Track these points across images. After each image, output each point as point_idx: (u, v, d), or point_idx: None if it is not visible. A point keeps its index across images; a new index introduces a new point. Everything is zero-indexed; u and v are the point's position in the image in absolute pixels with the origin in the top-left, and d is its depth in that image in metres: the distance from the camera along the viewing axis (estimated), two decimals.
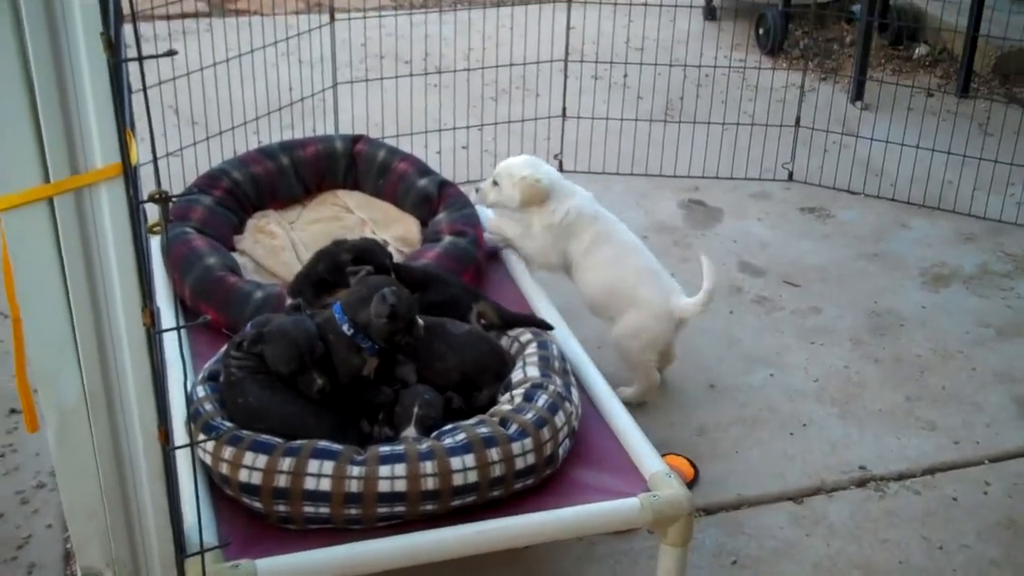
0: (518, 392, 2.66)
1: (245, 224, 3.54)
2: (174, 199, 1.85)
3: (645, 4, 5.16)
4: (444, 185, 3.61)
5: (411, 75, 4.92)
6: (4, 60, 1.82)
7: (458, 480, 2.41)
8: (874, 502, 3.13)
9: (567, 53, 4.78)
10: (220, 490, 2.48)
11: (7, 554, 2.83)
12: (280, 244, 3.43)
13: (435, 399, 2.66)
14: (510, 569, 2.79)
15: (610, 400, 2.83)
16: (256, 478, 2.40)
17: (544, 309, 3.17)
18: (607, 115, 4.89)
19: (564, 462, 2.60)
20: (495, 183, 3.38)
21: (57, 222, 1.95)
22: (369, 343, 2.60)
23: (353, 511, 2.38)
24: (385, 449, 2.46)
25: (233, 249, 3.42)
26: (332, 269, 2.89)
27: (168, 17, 5.75)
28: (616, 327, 3.34)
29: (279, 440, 2.46)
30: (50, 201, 1.93)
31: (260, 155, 3.66)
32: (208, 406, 2.57)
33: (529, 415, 2.55)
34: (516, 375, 2.75)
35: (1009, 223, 4.57)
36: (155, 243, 3.27)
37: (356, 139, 3.76)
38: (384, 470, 2.39)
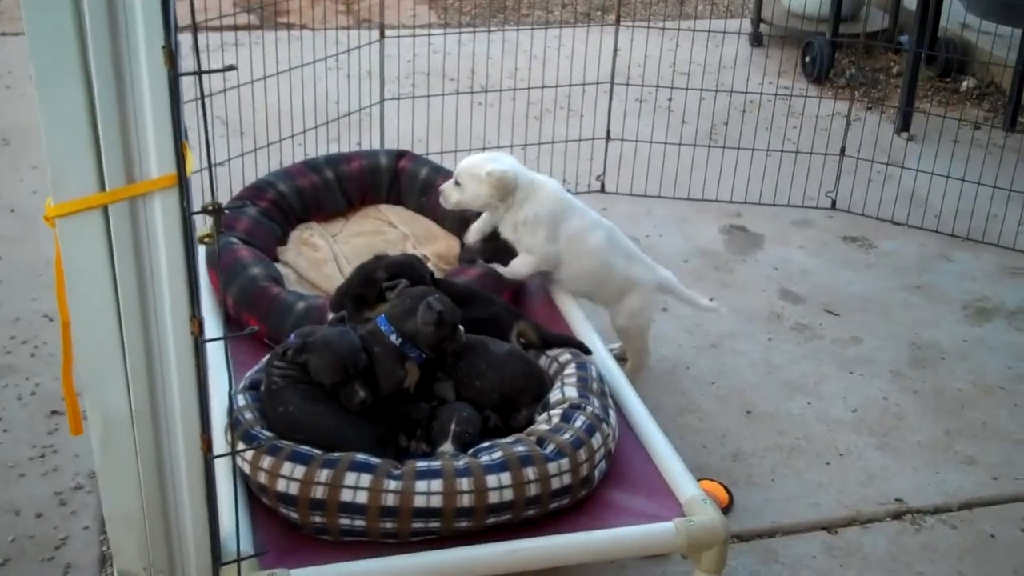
0: (556, 412, 2.67)
1: (288, 235, 3.57)
2: (226, 210, 1.87)
3: (693, 30, 5.17)
4: None
5: (457, 93, 4.96)
6: (66, 68, 1.86)
7: (494, 498, 2.42)
8: (910, 535, 3.11)
9: (613, 75, 4.80)
10: (257, 499, 2.51)
11: (44, 554, 2.86)
12: (323, 256, 3.46)
13: (472, 416, 2.67)
14: None
15: (647, 423, 2.83)
16: (294, 488, 2.42)
17: (583, 331, 3.17)
18: (651, 138, 4.89)
19: (600, 484, 2.61)
20: (457, 183, 3.29)
21: (111, 230, 1.98)
22: (417, 352, 2.64)
23: (388, 525, 2.39)
24: (422, 464, 2.47)
25: (276, 260, 3.45)
26: (368, 285, 2.91)
27: (221, 29, 5.82)
28: (621, 314, 3.38)
29: (318, 451, 2.48)
30: (105, 209, 1.97)
31: (306, 168, 3.70)
32: (248, 415, 2.60)
33: (566, 436, 2.56)
34: (554, 395, 2.76)
35: None
36: (201, 251, 3.32)
37: (400, 155, 3.79)
38: (420, 485, 2.41)
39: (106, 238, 1.99)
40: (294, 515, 2.44)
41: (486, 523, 2.43)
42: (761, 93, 4.90)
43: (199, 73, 1.78)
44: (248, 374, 2.78)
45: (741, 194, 4.82)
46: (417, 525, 2.39)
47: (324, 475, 2.42)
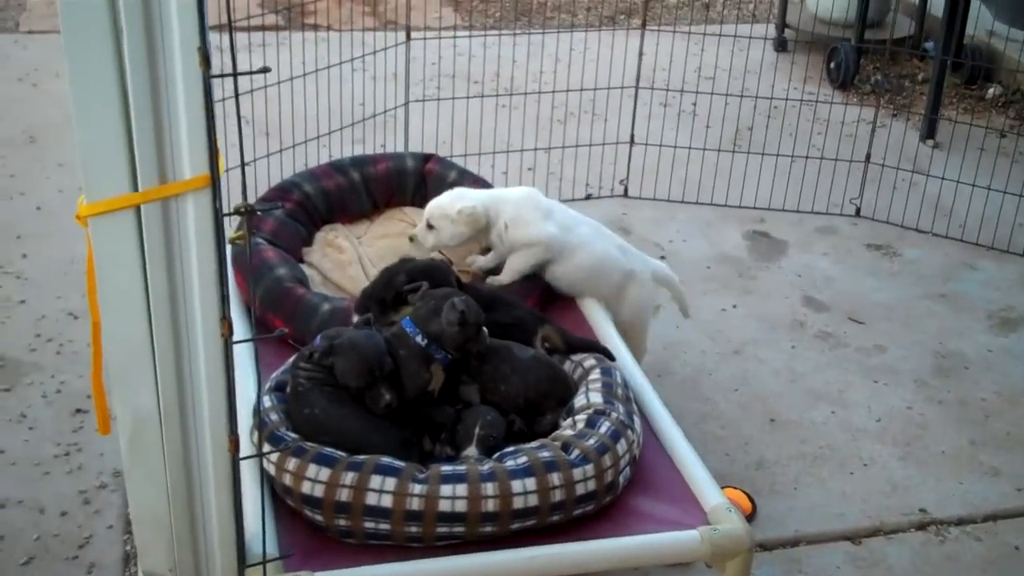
0: (581, 418, 2.66)
1: (314, 237, 3.58)
2: (259, 211, 1.87)
3: (719, 35, 5.15)
4: None
5: (482, 96, 4.96)
6: (101, 69, 1.86)
7: (518, 503, 2.41)
8: (934, 546, 3.09)
9: (638, 79, 4.79)
10: (282, 501, 2.51)
11: (68, 552, 2.88)
12: (348, 258, 3.46)
13: (497, 420, 2.67)
14: None
15: (671, 430, 2.82)
16: (319, 491, 2.42)
17: (608, 336, 3.16)
18: (675, 143, 4.89)
19: (624, 490, 2.59)
20: (430, 227, 3.24)
21: (143, 230, 1.99)
22: (443, 353, 2.64)
23: (413, 529, 2.39)
24: (447, 468, 2.47)
25: (301, 261, 3.46)
26: (389, 288, 2.91)
27: (248, 29, 5.84)
28: (623, 308, 3.34)
29: (343, 454, 2.48)
30: (137, 209, 1.97)
31: (331, 169, 3.70)
32: (274, 416, 2.59)
33: (591, 441, 2.55)
34: (579, 401, 2.76)
35: None
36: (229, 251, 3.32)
37: (427, 158, 3.79)
38: (445, 489, 2.40)
39: (138, 238, 2.00)
40: (319, 518, 2.43)
41: (511, 528, 2.42)
42: (786, 99, 4.89)
43: (235, 75, 1.79)
44: (274, 376, 2.78)
45: (765, 200, 4.81)
46: (442, 529, 2.39)
47: (349, 478, 2.42)
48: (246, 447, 2.51)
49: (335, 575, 2.30)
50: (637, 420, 2.74)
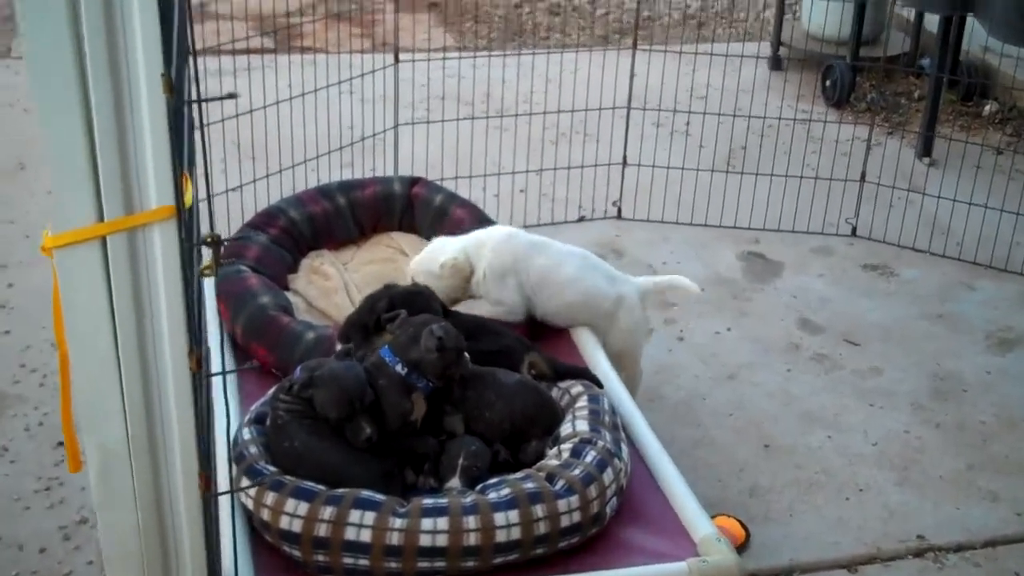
0: (566, 447, 2.61)
1: (299, 263, 3.53)
2: (227, 242, 1.82)
3: (710, 54, 5.10)
4: None
5: (472, 118, 4.93)
6: (66, 95, 1.82)
7: (501, 536, 2.35)
8: (932, 573, 3.03)
9: (630, 100, 4.75)
10: (260, 536, 2.45)
11: None
12: (333, 285, 3.41)
13: (481, 450, 2.62)
14: None
15: (660, 457, 2.76)
16: (297, 526, 2.37)
17: (597, 363, 3.10)
18: (668, 163, 4.84)
19: (611, 521, 2.54)
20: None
21: (109, 261, 1.94)
22: (424, 382, 2.58)
23: (392, 564, 2.33)
24: (428, 502, 2.41)
25: (286, 288, 3.41)
26: (371, 315, 2.86)
27: (234, 52, 5.80)
28: (615, 338, 3.28)
29: (322, 488, 2.43)
30: (103, 240, 1.92)
31: (318, 194, 3.66)
32: (253, 449, 2.55)
33: (576, 471, 2.50)
34: (565, 429, 2.70)
35: None
36: (208, 282, 3.28)
37: (414, 181, 3.75)
38: (426, 523, 2.35)
39: (104, 270, 1.95)
40: (297, 553, 2.38)
41: (493, 563, 2.37)
42: (780, 118, 4.84)
43: (200, 101, 1.74)
44: (254, 407, 2.73)
45: (760, 220, 4.76)
46: (422, 564, 2.33)
47: (328, 512, 2.36)
48: (225, 481, 2.46)
49: None
50: (625, 448, 2.68)
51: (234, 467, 2.50)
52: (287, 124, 4.43)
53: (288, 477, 2.46)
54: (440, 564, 2.33)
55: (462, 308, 3.15)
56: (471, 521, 2.36)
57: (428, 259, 3.19)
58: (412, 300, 2.88)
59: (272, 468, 2.49)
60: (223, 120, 4.20)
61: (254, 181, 4.36)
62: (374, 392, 2.56)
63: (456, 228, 3.59)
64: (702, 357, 3.89)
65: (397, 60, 4.50)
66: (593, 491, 2.47)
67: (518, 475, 2.52)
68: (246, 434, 2.60)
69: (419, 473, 2.63)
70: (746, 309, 4.21)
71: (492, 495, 2.44)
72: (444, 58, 4.94)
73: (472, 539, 2.33)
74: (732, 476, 3.33)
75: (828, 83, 6.03)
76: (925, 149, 5.37)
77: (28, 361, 3.69)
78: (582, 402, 2.79)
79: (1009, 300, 4.36)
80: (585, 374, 2.97)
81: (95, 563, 2.89)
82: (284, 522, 2.38)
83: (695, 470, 3.27)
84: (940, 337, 4.09)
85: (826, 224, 4.77)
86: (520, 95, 5.13)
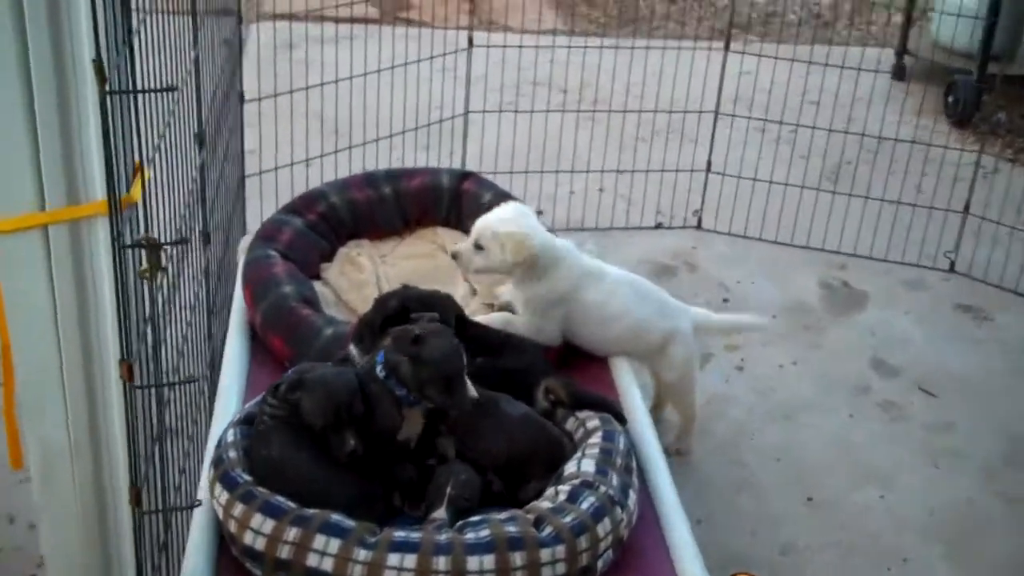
0: (564, 488, 2.39)
1: (336, 251, 3.38)
2: (165, 246, 1.66)
3: (824, 64, 4.69)
4: None
5: (563, 110, 4.70)
6: (6, 80, 1.69)
7: None
8: None
9: (718, 103, 4.46)
10: (227, 548, 2.31)
11: (27, 570, 2.72)
12: (365, 278, 3.25)
13: (472, 480, 2.42)
14: None
15: (673, 512, 2.51)
16: (260, 544, 2.22)
17: (630, 396, 2.86)
18: (755, 174, 4.53)
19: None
20: (478, 246, 2.90)
21: (51, 252, 1.81)
22: (404, 391, 2.39)
23: None
24: (399, 535, 2.23)
25: (317, 277, 3.26)
26: (378, 314, 2.68)
27: (337, 20, 5.68)
28: (665, 369, 3.09)
29: (292, 505, 2.27)
30: (45, 230, 1.79)
31: (363, 181, 3.50)
32: (232, 453, 2.39)
33: (568, 518, 2.28)
34: (569, 467, 2.48)
35: None
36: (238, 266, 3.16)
37: (465, 176, 3.55)
38: (393, 559, 2.16)
39: (46, 261, 1.82)
40: (258, 572, 2.23)
41: None
42: (896, 140, 4.47)
43: (133, 92, 1.58)
44: (247, 405, 2.59)
45: (850, 244, 4.43)
46: None
47: (292, 534, 2.20)
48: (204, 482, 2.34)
49: None
50: (633, 496, 2.44)
51: (212, 471, 2.37)
52: (373, 98, 4.25)
53: (261, 489, 2.30)
54: None
55: (498, 325, 2.94)
56: (441, 562, 2.16)
57: (506, 219, 2.90)
58: (427, 304, 2.69)
59: (247, 477, 2.34)
60: (307, 88, 4.05)
61: (335, 152, 4.20)
62: (366, 402, 2.38)
63: None
64: (759, 391, 3.62)
65: (471, 44, 4.30)
66: (583, 542, 2.25)
67: (502, 515, 2.32)
68: (230, 435, 2.45)
69: (406, 499, 2.45)
70: (818, 342, 3.90)
71: (470, 535, 2.24)
72: (519, 45, 4.55)
73: None
74: (767, 529, 3.07)
75: (951, 99, 5.61)
76: None
77: None
78: (595, 438, 2.57)
79: None
80: (608, 406, 2.73)
81: None
82: (248, 538, 2.23)
83: (728, 517, 3.03)
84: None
85: (923, 255, 4.41)
86: (617, 87, 4.88)
